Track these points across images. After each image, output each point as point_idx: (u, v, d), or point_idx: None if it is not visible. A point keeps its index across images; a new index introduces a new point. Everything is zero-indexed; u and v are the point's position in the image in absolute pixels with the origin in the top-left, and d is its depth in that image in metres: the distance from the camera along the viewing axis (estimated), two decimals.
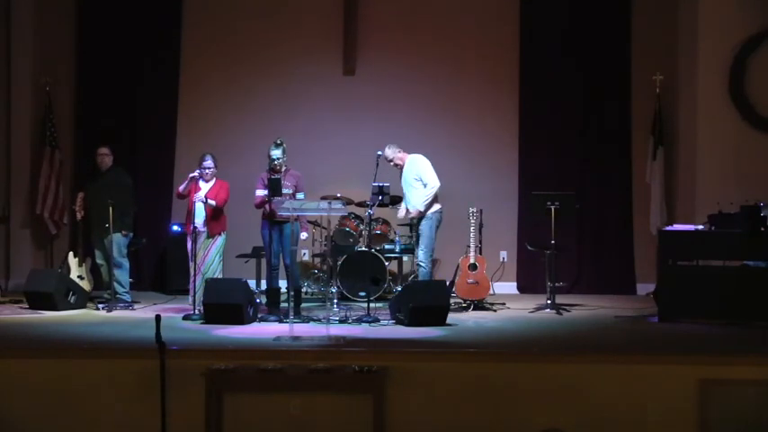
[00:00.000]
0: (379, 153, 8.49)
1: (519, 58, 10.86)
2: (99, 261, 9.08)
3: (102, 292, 9.16)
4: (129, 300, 8.92)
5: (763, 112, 9.76)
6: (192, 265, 8.42)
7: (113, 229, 8.72)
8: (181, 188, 8.55)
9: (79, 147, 10.89)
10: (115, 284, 8.83)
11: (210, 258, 8.43)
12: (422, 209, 8.83)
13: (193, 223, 8.36)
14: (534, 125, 10.81)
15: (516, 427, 6.07)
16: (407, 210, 9.01)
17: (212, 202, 8.39)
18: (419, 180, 8.84)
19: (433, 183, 8.86)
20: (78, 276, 9.02)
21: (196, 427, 6.03)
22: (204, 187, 8.50)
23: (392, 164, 8.97)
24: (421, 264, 8.82)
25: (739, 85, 9.77)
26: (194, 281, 8.32)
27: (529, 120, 10.83)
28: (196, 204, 8.39)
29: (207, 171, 8.51)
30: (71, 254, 9.20)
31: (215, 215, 8.44)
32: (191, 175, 8.45)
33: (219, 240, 8.48)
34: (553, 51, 10.78)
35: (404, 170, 8.97)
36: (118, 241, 8.88)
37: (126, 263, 9.01)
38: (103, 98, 10.79)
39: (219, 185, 8.52)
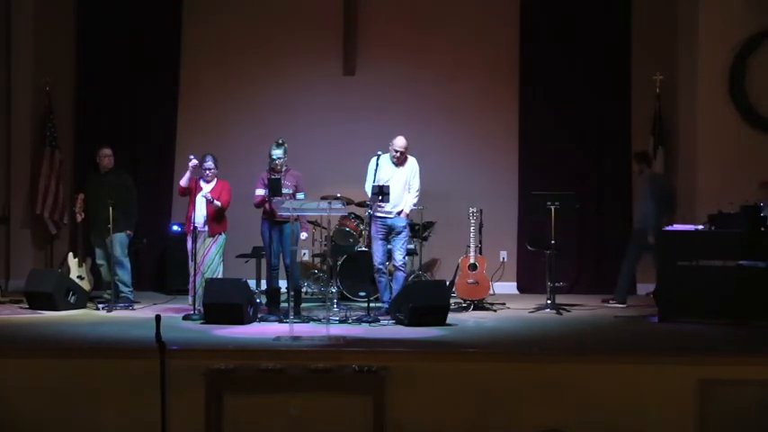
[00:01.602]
0: (380, 153, 8.44)
1: (519, 58, 10.87)
2: (99, 261, 9.08)
3: (101, 292, 9.16)
4: (133, 298, 8.94)
5: (763, 112, 9.77)
6: (191, 264, 8.42)
7: (116, 229, 8.73)
8: (183, 182, 8.51)
9: (79, 147, 10.89)
10: (119, 284, 8.87)
11: (210, 258, 8.42)
12: (408, 211, 8.55)
13: (194, 222, 8.35)
14: (534, 125, 10.81)
15: (516, 427, 6.07)
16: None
17: (218, 203, 8.37)
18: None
19: (419, 188, 8.60)
20: (78, 276, 9.02)
21: (196, 427, 6.02)
22: (205, 188, 8.49)
23: (398, 153, 8.45)
24: (401, 268, 8.51)
25: (739, 85, 9.78)
26: (194, 280, 8.32)
27: (529, 120, 10.84)
28: (197, 204, 8.38)
29: (207, 172, 8.50)
30: (71, 254, 9.20)
31: (216, 215, 8.44)
32: (190, 164, 8.38)
33: (220, 240, 8.47)
34: (553, 51, 10.78)
35: (403, 168, 8.55)
36: (120, 240, 8.89)
37: (128, 262, 9.02)
38: (103, 98, 10.80)
39: (221, 186, 8.51)
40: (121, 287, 8.90)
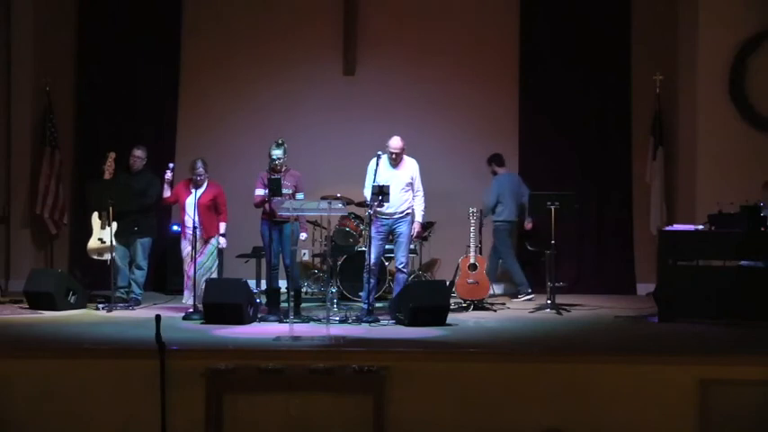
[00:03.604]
0: (379, 153, 8.41)
1: (519, 58, 10.88)
2: (119, 261, 9.02)
3: (102, 291, 9.16)
4: (141, 300, 8.99)
5: (763, 112, 9.77)
6: (190, 264, 8.43)
7: (141, 234, 8.83)
8: (165, 194, 8.61)
9: (79, 147, 10.90)
10: (133, 283, 8.97)
11: (204, 258, 8.46)
12: (420, 219, 8.51)
13: (188, 226, 8.42)
14: (534, 125, 10.82)
15: (516, 427, 6.06)
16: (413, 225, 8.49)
17: (223, 241, 8.55)
18: (411, 184, 8.46)
19: (422, 191, 8.55)
20: (99, 239, 8.83)
21: (196, 427, 6.02)
22: (196, 193, 8.48)
23: (393, 155, 8.37)
24: (404, 270, 8.46)
25: (739, 85, 9.78)
26: (189, 279, 8.38)
27: (529, 120, 10.84)
28: (187, 208, 8.43)
29: (198, 178, 8.50)
30: (95, 215, 9.01)
31: (211, 219, 8.50)
32: (168, 178, 8.47)
33: (213, 241, 8.52)
34: (553, 51, 10.79)
35: (401, 169, 8.44)
36: (143, 244, 8.96)
37: (146, 265, 9.06)
38: (103, 98, 10.80)
39: (214, 192, 8.53)
40: (134, 287, 8.98)
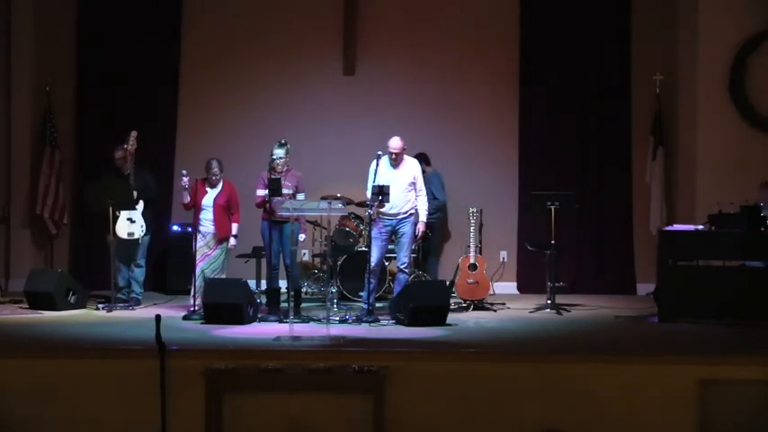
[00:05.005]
0: (380, 153, 8.39)
1: (519, 58, 10.87)
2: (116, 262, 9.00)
3: (103, 291, 9.15)
4: (141, 299, 8.98)
5: (763, 112, 9.77)
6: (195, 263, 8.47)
7: (144, 232, 8.77)
8: (184, 200, 8.55)
9: (79, 147, 10.90)
10: (134, 282, 8.95)
11: (213, 258, 8.48)
12: (424, 219, 8.52)
13: (200, 224, 8.46)
14: (534, 125, 10.81)
15: (516, 427, 6.07)
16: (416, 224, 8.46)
17: (233, 241, 8.56)
18: (414, 184, 8.45)
19: (425, 190, 8.59)
20: (129, 219, 8.71)
21: (196, 427, 6.03)
22: (211, 192, 8.52)
23: (393, 154, 8.34)
24: (406, 271, 8.44)
25: (739, 85, 9.78)
26: (194, 278, 8.36)
27: (529, 120, 10.83)
28: (203, 207, 8.47)
29: (214, 178, 8.55)
30: None
31: (225, 219, 8.54)
32: (183, 185, 8.44)
33: (225, 242, 8.55)
34: (553, 51, 10.79)
35: (401, 170, 8.42)
36: (143, 242, 8.92)
37: (144, 263, 9.04)
38: (103, 98, 10.80)
39: (228, 191, 8.58)
40: (134, 286, 8.97)
